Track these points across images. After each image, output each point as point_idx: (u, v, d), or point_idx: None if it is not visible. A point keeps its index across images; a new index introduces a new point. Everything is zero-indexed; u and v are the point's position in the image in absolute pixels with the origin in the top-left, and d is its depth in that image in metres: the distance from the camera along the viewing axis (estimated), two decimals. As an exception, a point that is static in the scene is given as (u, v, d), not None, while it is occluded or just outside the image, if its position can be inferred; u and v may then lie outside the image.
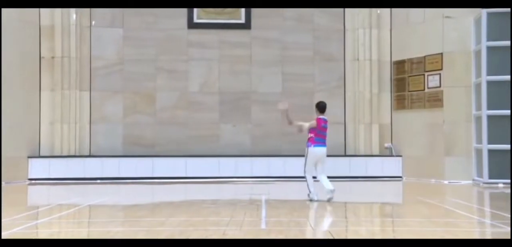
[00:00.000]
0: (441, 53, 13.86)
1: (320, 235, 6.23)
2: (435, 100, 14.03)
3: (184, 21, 14.94)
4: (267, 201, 9.74)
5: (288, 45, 15.16)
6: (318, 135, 9.77)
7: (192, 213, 8.24)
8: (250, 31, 15.07)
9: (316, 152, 9.75)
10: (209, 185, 13.17)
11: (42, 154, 14.36)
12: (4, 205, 9.92)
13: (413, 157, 14.52)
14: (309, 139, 9.82)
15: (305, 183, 9.85)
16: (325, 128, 9.86)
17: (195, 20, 14.96)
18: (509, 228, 6.47)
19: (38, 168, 14.04)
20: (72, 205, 9.46)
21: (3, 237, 6.11)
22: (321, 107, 9.91)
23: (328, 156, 14.99)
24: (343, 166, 14.60)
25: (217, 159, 14.50)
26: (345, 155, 14.95)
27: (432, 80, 14.08)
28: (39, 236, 6.59)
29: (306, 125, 9.93)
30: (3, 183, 13.12)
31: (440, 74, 13.93)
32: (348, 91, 15.11)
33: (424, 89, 14.27)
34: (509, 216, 7.37)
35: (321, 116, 9.88)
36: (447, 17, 13.66)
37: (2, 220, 7.28)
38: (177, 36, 14.98)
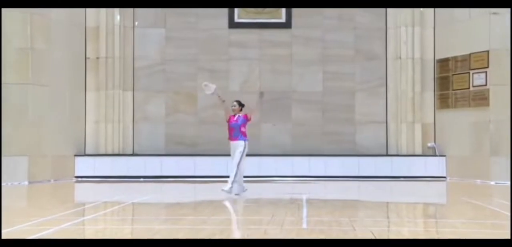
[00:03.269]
0: (487, 51, 13.52)
1: (361, 235, 6.18)
2: (481, 99, 13.70)
3: (225, 21, 15.04)
4: (308, 201, 9.71)
5: (329, 44, 15.07)
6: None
7: (233, 211, 8.29)
8: (290, 30, 15.05)
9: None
10: (250, 184, 13.21)
11: (87, 152, 14.71)
12: (53, 202, 10.23)
13: (457, 156, 14.22)
14: (245, 133, 9.98)
15: (344, 183, 9.80)
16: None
17: (236, 19, 15.05)
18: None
19: (84, 166, 14.39)
20: (116, 202, 9.67)
21: (53, 232, 6.30)
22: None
23: (369, 155, 15.03)
24: (385, 165, 14.43)
25: (257, 158, 14.53)
26: (387, 155, 14.77)
27: (478, 79, 13.75)
28: (85, 233, 6.76)
29: (253, 115, 10.08)
30: (51, 180, 13.52)
31: (486, 72, 13.59)
32: (390, 90, 14.92)
33: (469, 88, 13.96)
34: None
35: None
36: (494, 13, 13.32)
37: (52, 216, 7.51)
38: (218, 36, 15.09)
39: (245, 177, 13.57)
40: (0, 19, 12.36)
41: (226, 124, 10.05)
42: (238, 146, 9.89)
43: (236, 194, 9.81)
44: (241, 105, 10.10)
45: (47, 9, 13.20)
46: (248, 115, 10.03)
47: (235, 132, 9.95)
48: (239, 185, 9.95)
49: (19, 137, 13.00)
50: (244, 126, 9.99)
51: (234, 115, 10.07)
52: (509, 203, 9.43)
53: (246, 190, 10.04)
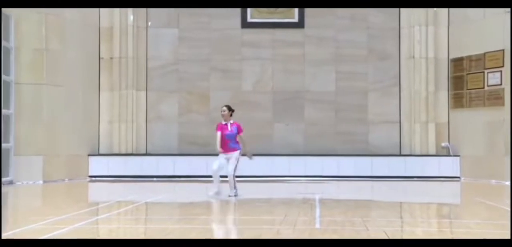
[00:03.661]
0: (503, 50, 13.40)
1: (375, 235, 6.15)
2: (496, 98, 13.58)
3: (237, 21, 15.06)
4: (321, 200, 9.69)
5: (342, 44, 15.03)
6: None
7: (246, 211, 8.30)
8: (303, 30, 15.03)
9: None
10: (263, 184, 13.23)
11: (101, 152, 14.81)
12: (67, 201, 10.31)
13: (471, 156, 14.11)
14: (239, 142, 9.75)
15: (357, 183, 9.76)
16: None
17: (249, 19, 15.07)
18: None
19: (97, 165, 14.49)
20: (130, 202, 9.72)
21: (67, 231, 6.35)
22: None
23: (382, 155, 14.94)
24: (398, 165, 14.37)
25: (270, 158, 14.54)
26: (401, 155, 14.70)
27: (493, 78, 13.64)
28: (99, 232, 6.81)
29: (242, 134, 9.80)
30: (66, 179, 13.63)
31: (501, 71, 13.47)
32: (403, 90, 14.85)
33: (483, 87, 13.84)
34: None
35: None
36: (508, 12, 13.19)
37: (66, 215, 7.57)
38: (231, 36, 15.12)
39: (257, 176, 13.64)
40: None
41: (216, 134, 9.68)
42: (234, 154, 9.64)
43: (230, 195, 9.67)
44: (231, 110, 9.72)
45: (62, 10, 13.31)
46: (241, 127, 9.71)
47: (232, 142, 9.61)
48: (232, 187, 9.78)
49: (34, 137, 13.13)
50: (237, 136, 9.71)
51: (226, 124, 9.66)
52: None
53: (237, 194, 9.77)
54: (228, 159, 9.61)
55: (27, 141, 13.03)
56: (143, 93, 15.04)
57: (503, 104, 13.43)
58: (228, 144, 9.56)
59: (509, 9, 13.11)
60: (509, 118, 12.96)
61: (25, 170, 12.92)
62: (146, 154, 14.91)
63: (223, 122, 9.69)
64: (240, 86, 15.14)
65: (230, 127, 9.64)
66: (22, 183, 12.80)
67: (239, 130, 9.65)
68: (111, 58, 14.87)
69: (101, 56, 14.87)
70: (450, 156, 14.52)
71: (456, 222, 7.72)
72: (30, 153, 13.05)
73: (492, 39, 13.61)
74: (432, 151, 14.59)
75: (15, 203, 10.26)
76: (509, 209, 8.68)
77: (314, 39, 15.06)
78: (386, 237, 6.04)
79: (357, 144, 14.89)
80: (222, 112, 9.69)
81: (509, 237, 5.92)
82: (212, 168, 9.73)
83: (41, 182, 13.06)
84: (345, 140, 14.90)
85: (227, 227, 6.81)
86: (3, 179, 12.27)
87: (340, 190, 12.15)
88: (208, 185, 13.09)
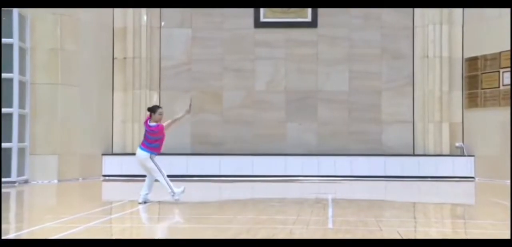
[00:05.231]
0: (518, 49, 13.26)
1: (388, 235, 6.13)
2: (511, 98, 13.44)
3: (250, 20, 15.07)
4: (334, 200, 9.67)
5: (355, 43, 14.98)
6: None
7: (259, 211, 8.31)
8: (316, 29, 15.00)
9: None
10: (276, 184, 13.22)
11: (115, 151, 14.90)
12: (82, 200, 10.39)
13: (486, 157, 13.99)
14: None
15: (370, 183, 9.70)
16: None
17: (262, 19, 15.06)
18: None
19: (111, 165, 14.57)
20: (143, 201, 9.75)
21: (81, 230, 6.40)
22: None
23: (395, 155, 14.79)
24: (411, 165, 14.28)
25: (283, 157, 14.53)
26: (414, 155, 14.61)
27: (508, 77, 13.50)
28: (112, 231, 6.85)
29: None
30: (80, 179, 13.73)
31: (516, 71, 13.34)
32: (417, 89, 14.76)
33: (499, 87, 13.72)
34: None
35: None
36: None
37: (80, 214, 7.63)
38: (244, 35, 15.13)
39: (270, 176, 13.56)
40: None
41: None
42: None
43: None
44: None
45: (76, 10, 13.41)
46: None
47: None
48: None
49: (49, 136, 13.24)
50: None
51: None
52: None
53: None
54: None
55: (42, 141, 13.15)
56: (156, 93, 15.11)
57: (518, 104, 13.30)
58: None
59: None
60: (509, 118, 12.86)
61: (40, 169, 13.04)
62: (159, 153, 14.93)
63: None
64: (253, 86, 15.14)
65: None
66: (37, 182, 12.92)
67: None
68: (125, 58, 14.95)
69: (114, 57, 14.95)
70: (464, 156, 14.41)
71: (471, 223, 7.66)
72: (45, 152, 13.16)
73: (508, 38, 13.46)
74: (446, 151, 14.49)
75: (31, 202, 10.37)
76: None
77: (327, 39, 15.03)
78: (400, 237, 6.01)
79: (370, 143, 14.83)
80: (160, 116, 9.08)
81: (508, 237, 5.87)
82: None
83: (56, 181, 13.17)
84: (358, 140, 14.85)
85: (240, 226, 6.83)
86: (18, 178, 12.40)
87: (353, 190, 12.11)
88: (221, 185, 13.15)
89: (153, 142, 9.01)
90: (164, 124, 9.07)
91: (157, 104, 9.48)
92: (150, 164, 8.96)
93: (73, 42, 13.64)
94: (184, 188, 9.12)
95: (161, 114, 9.13)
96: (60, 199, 10.86)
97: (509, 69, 13.49)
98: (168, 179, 8.96)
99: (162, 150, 9.15)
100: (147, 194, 9.06)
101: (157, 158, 9.08)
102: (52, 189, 12.19)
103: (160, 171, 8.96)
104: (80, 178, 13.75)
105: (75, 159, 13.71)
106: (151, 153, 9.00)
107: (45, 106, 13.20)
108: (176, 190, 8.94)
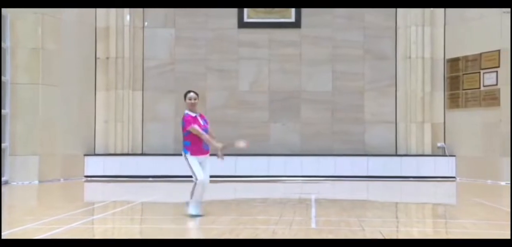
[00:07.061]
0: (499, 50, 13.42)
1: (370, 235, 6.16)
2: (492, 99, 13.61)
3: (234, 20, 15.06)
4: (317, 200, 9.70)
5: (339, 44, 15.04)
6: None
7: (242, 211, 8.30)
8: (300, 30, 15.04)
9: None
10: (259, 184, 13.23)
11: (97, 152, 14.78)
12: (63, 201, 10.29)
13: (467, 157, 14.13)
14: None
15: (353, 183, 9.73)
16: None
17: (245, 19, 15.06)
18: None
19: (93, 165, 14.45)
20: (126, 202, 9.71)
21: (63, 231, 6.33)
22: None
23: (378, 155, 14.92)
24: (394, 165, 14.38)
25: (266, 158, 14.54)
26: (397, 155, 14.71)
27: (489, 78, 13.66)
28: (94, 232, 6.79)
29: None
30: (61, 179, 13.60)
31: (497, 72, 13.50)
32: (399, 90, 14.86)
33: (479, 88, 13.87)
34: None
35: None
36: (505, 13, 13.21)
37: (62, 215, 7.55)
38: (228, 35, 15.11)
39: (253, 176, 13.46)
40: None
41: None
42: (208, 161, 7.55)
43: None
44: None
45: (58, 10, 13.29)
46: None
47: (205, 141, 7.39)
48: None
49: (30, 136, 13.09)
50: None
51: (195, 117, 7.42)
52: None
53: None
54: (204, 166, 7.50)
55: (22, 141, 13.00)
56: (139, 93, 15.02)
57: (499, 104, 13.46)
58: (203, 142, 7.41)
59: (507, 10, 13.14)
60: (509, 119, 12.99)
61: (21, 170, 12.89)
62: (142, 154, 14.88)
63: (193, 114, 7.47)
64: (236, 86, 15.13)
65: (203, 121, 7.53)
66: (18, 183, 12.77)
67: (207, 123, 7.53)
68: (107, 58, 14.83)
69: (97, 56, 14.83)
70: (446, 156, 14.54)
71: (452, 222, 7.73)
72: (25, 153, 13.02)
73: (489, 39, 13.63)
74: (428, 151, 14.61)
75: (11, 203, 10.24)
76: (506, 209, 8.70)
77: (311, 39, 15.07)
78: (382, 237, 6.04)
79: (354, 143, 14.90)
80: (194, 100, 7.44)
81: (508, 237, 5.93)
82: (201, 178, 7.35)
83: (36, 182, 13.03)
84: (341, 140, 14.92)
85: (223, 227, 6.81)
86: (-2, 179, 12.26)
87: (336, 190, 12.15)
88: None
89: (184, 137, 7.39)
90: (193, 124, 7.33)
91: (190, 89, 7.68)
92: (186, 163, 7.37)
93: (54, 41, 13.52)
94: (199, 217, 7.42)
95: (190, 99, 7.43)
96: (41, 200, 10.74)
97: (489, 70, 13.64)
98: (200, 187, 7.38)
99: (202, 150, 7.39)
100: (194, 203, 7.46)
101: (192, 159, 7.35)
102: (33, 190, 12.05)
103: (192, 173, 7.36)
104: (62, 179, 13.61)
105: (56, 159, 13.57)
106: (184, 151, 7.42)
107: (25, 106, 13.05)
108: (193, 207, 7.42)
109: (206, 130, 7.46)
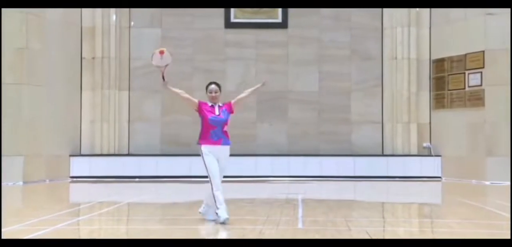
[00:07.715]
0: (483, 51, 13.55)
1: (357, 235, 6.18)
2: (476, 99, 13.74)
3: (221, 21, 15.04)
4: (303, 201, 9.72)
5: (325, 44, 15.09)
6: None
7: (229, 211, 8.28)
8: (287, 30, 15.06)
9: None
10: (246, 184, 13.22)
11: (83, 152, 14.67)
12: (49, 202, 10.20)
13: (453, 157, 14.25)
14: (228, 133, 7.15)
15: (339, 183, 9.77)
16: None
17: (232, 19, 15.04)
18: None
19: (79, 166, 14.35)
20: (112, 202, 9.65)
21: (49, 232, 6.28)
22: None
23: (364, 155, 15.02)
24: (380, 166, 14.45)
25: (253, 158, 14.54)
26: (383, 155, 14.79)
27: (473, 79, 13.79)
28: (80, 233, 6.74)
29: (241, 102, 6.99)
30: (47, 180, 13.48)
31: (481, 72, 13.63)
32: (385, 90, 14.94)
33: (464, 88, 13.99)
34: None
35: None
36: (489, 14, 13.35)
37: (47, 216, 7.49)
38: (214, 35, 15.08)
39: (240, 176, 13.38)
40: (0, 19, 12.31)
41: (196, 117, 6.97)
42: (226, 152, 6.94)
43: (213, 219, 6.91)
44: (220, 89, 7.08)
45: (43, 9, 13.17)
46: (233, 106, 7.13)
47: (218, 130, 6.93)
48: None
49: (14, 137, 12.95)
50: (227, 123, 7.01)
51: (212, 106, 7.03)
52: (505, 203, 9.45)
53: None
54: (218, 158, 6.94)
55: (6, 141, 12.85)
56: (125, 93, 14.94)
57: (483, 105, 13.58)
58: (214, 131, 7.00)
59: (490, 11, 13.26)
60: (496, 119, 13.12)
61: (5, 171, 12.72)
62: (128, 154, 14.80)
63: (209, 103, 7.07)
64: (223, 86, 15.00)
65: (219, 109, 7.06)
66: (2, 184, 12.62)
67: (230, 111, 7.09)
68: (93, 58, 14.74)
69: (83, 56, 14.73)
70: (432, 156, 14.65)
71: (438, 222, 7.79)
72: (10, 154, 12.87)
73: (473, 40, 13.75)
74: (414, 151, 14.71)
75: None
76: (489, 209, 8.78)
77: (298, 39, 15.09)
78: (368, 237, 6.07)
79: (340, 144, 14.95)
80: (214, 94, 7.12)
81: (490, 236, 5.99)
82: (212, 170, 6.81)
83: (21, 183, 12.90)
84: (328, 140, 14.96)
85: (211, 227, 6.79)
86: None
87: (323, 190, 12.18)
88: (191, 185, 13.05)
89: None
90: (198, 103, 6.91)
91: (212, 80, 7.31)
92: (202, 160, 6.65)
93: (39, 41, 13.39)
94: (217, 217, 6.77)
95: (210, 92, 7.02)
96: (26, 201, 10.64)
97: (474, 71, 13.76)
98: (218, 186, 6.86)
99: (218, 141, 6.92)
100: (212, 206, 6.81)
101: (203, 149, 6.93)
102: (17, 191, 11.93)
103: (207, 171, 6.82)
104: (47, 180, 13.50)
105: (41, 160, 13.45)
106: (198, 144, 6.99)
107: (10, 106, 12.91)
108: (222, 210, 6.74)
109: (220, 121, 6.94)
